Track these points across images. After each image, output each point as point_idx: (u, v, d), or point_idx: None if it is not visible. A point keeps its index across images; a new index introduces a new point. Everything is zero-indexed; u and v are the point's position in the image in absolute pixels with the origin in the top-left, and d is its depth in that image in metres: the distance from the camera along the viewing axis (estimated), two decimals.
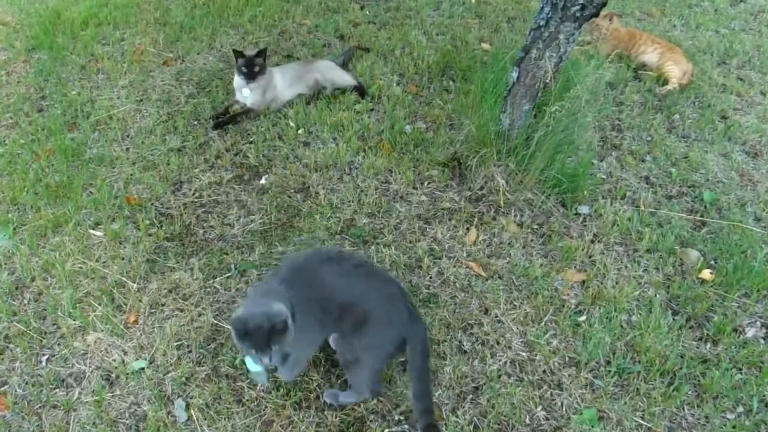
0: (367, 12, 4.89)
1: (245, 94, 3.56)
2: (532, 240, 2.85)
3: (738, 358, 2.36)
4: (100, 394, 2.18)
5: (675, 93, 3.94)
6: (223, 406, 2.15)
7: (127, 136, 3.45)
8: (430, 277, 2.65)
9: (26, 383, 2.24)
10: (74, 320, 2.44)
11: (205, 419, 2.12)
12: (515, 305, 2.54)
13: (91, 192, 3.05)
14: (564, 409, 2.18)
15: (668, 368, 2.30)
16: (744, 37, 4.79)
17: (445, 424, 2.11)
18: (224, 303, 2.52)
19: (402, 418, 2.13)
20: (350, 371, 2.10)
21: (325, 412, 2.13)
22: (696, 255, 2.79)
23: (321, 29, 4.60)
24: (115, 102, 3.72)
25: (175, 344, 2.35)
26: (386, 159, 3.25)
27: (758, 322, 2.53)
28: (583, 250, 2.78)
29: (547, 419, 2.16)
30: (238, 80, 3.56)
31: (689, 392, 2.25)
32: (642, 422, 2.15)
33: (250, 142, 3.40)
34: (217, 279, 2.63)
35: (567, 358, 2.35)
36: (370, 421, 2.12)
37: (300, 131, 3.48)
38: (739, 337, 2.46)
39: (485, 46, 4.41)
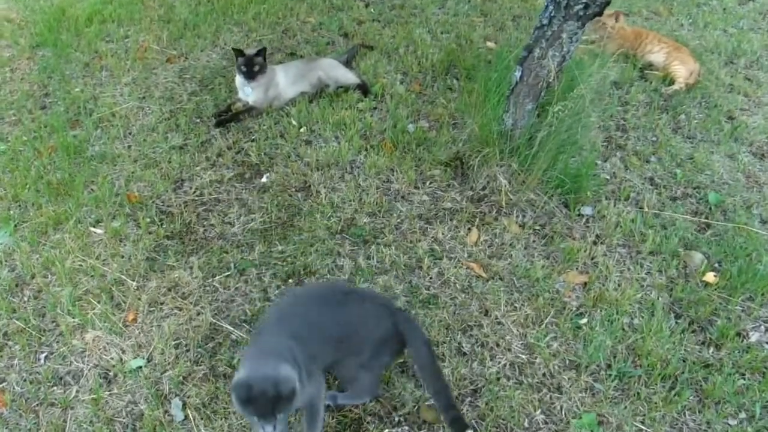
0: (372, 10, 4.87)
1: (247, 92, 3.55)
2: (533, 241, 2.83)
3: (741, 363, 2.33)
4: (97, 393, 2.18)
5: (681, 93, 3.90)
6: (220, 406, 2.14)
7: (129, 133, 3.45)
8: (431, 278, 2.63)
9: (24, 381, 2.24)
10: (73, 318, 2.44)
11: (201, 419, 2.11)
12: (516, 307, 2.52)
13: (92, 189, 3.05)
14: (563, 412, 2.16)
15: (670, 372, 2.27)
16: (752, 37, 4.74)
17: (443, 426, 2.09)
18: (223, 302, 2.52)
19: (400, 419, 2.11)
20: (350, 385, 2.10)
21: None
22: (700, 257, 2.75)
23: (325, 27, 4.59)
24: (117, 99, 3.72)
25: (173, 343, 2.35)
26: (388, 158, 3.23)
27: (762, 327, 2.49)
28: (585, 251, 2.75)
29: (546, 423, 2.13)
30: (239, 79, 3.55)
31: (691, 397, 2.22)
32: (642, 427, 2.13)
33: (252, 140, 3.39)
34: (217, 278, 2.62)
35: (567, 361, 2.32)
36: (368, 422, 2.11)
37: (302, 129, 3.47)
38: (742, 341, 2.43)
39: (490, 44, 4.38)
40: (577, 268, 2.70)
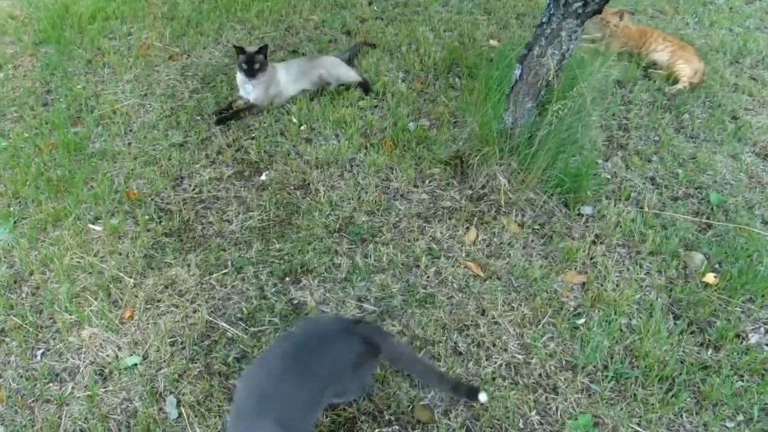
0: (375, 8, 4.86)
1: (248, 90, 3.54)
2: (532, 240, 2.81)
3: (740, 365, 2.31)
4: (92, 390, 2.18)
5: (685, 92, 3.87)
6: (214, 404, 2.14)
7: (130, 130, 3.46)
8: (428, 277, 2.62)
9: (21, 377, 2.25)
10: (70, 315, 2.44)
11: (195, 416, 2.11)
12: (513, 307, 2.51)
13: (92, 186, 3.05)
14: (559, 413, 2.15)
15: (667, 374, 2.25)
16: (758, 36, 4.70)
17: (437, 426, 2.09)
18: (220, 300, 2.51)
19: (392, 418, 2.11)
20: (340, 397, 2.09)
21: None
22: (700, 258, 2.73)
23: (328, 25, 4.58)
24: (119, 96, 3.73)
25: (169, 340, 2.35)
26: (388, 156, 3.22)
27: (762, 328, 2.47)
28: (584, 251, 2.73)
29: (541, 424, 2.12)
30: (240, 76, 3.54)
31: (688, 399, 2.20)
32: (638, 429, 2.11)
33: (252, 138, 3.38)
34: (214, 275, 2.61)
35: (564, 362, 2.31)
36: (362, 421, 2.10)
37: (302, 127, 3.46)
38: (741, 343, 2.40)
39: (493, 42, 4.36)
40: (575, 268, 2.68)
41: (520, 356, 2.32)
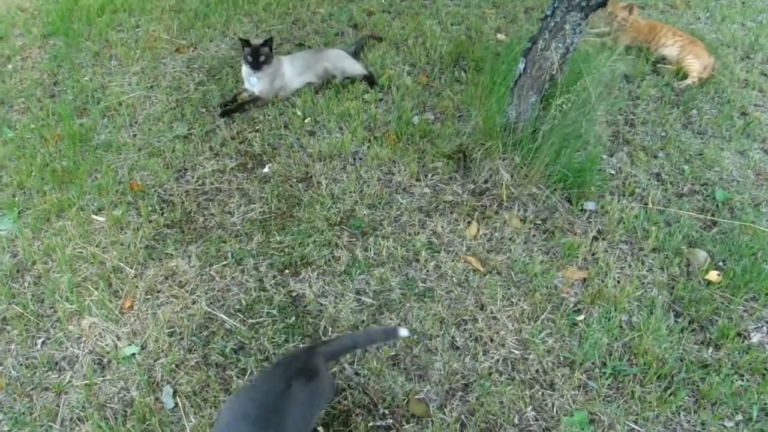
0: (383, 1, 4.84)
1: (253, 82, 3.54)
2: (534, 236, 2.79)
3: (740, 364, 2.29)
4: (90, 378, 2.20)
5: (694, 87, 3.82)
6: (210, 395, 2.15)
7: (135, 122, 3.47)
8: (427, 271, 2.61)
9: (20, 365, 2.27)
10: (71, 304, 2.46)
11: (191, 407, 2.12)
12: (512, 302, 2.50)
13: (96, 177, 3.07)
14: (555, 410, 2.13)
15: (666, 372, 2.23)
16: None
17: (432, 420, 2.08)
18: (219, 291, 2.52)
19: (387, 412, 2.10)
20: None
21: None
22: (703, 255, 2.70)
23: (335, 18, 4.57)
24: (125, 88, 3.74)
25: (168, 331, 2.36)
26: (391, 150, 3.21)
27: (764, 327, 2.44)
28: (585, 247, 2.71)
29: (537, 420, 2.11)
30: (246, 69, 3.54)
31: (686, 397, 2.18)
32: (635, 426, 2.10)
33: (256, 131, 3.39)
34: (214, 267, 2.62)
35: (561, 358, 2.29)
36: (356, 414, 2.10)
37: (306, 120, 3.46)
38: (743, 342, 2.38)
39: (501, 36, 4.34)
40: (576, 264, 2.66)
41: (517, 352, 2.31)
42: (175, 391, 2.16)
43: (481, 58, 3.92)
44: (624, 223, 2.84)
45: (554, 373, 2.24)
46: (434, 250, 2.70)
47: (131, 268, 2.61)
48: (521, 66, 2.88)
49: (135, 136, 3.36)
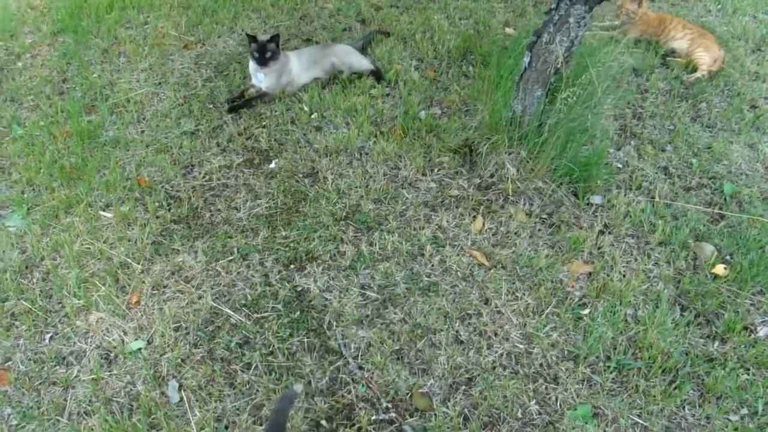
0: None
1: (260, 78, 3.56)
2: (539, 230, 2.78)
3: (746, 358, 2.27)
4: (97, 373, 2.23)
5: (703, 80, 3.78)
6: (216, 389, 2.17)
7: (143, 119, 3.50)
8: (432, 266, 2.61)
9: (29, 360, 2.30)
10: (78, 300, 2.49)
11: (197, 401, 2.14)
12: (517, 296, 2.49)
13: (104, 174, 3.10)
14: (558, 403, 2.13)
15: (671, 366, 2.22)
16: None
17: (435, 414, 2.09)
18: (225, 286, 2.54)
19: (390, 406, 2.11)
20: None
21: (315, 398, 2.13)
22: (710, 249, 2.68)
23: (343, 13, 4.57)
24: (133, 85, 3.77)
25: (174, 326, 2.38)
26: (397, 145, 3.21)
27: None
28: (591, 241, 2.70)
29: (540, 414, 2.11)
30: (253, 65, 3.56)
31: (691, 391, 2.17)
32: (639, 420, 2.09)
33: (263, 126, 3.40)
34: (220, 262, 2.64)
35: (566, 352, 2.29)
36: (359, 408, 2.11)
37: (313, 116, 3.47)
38: (749, 336, 2.36)
39: (509, 30, 4.32)
40: (582, 258, 2.65)
41: (521, 346, 2.31)
42: (180, 386, 2.19)
43: (489, 53, 3.89)
44: (630, 216, 2.83)
45: (558, 367, 2.24)
46: (439, 245, 2.70)
47: (138, 263, 2.64)
48: (526, 60, 2.86)
49: (143, 132, 3.39)
